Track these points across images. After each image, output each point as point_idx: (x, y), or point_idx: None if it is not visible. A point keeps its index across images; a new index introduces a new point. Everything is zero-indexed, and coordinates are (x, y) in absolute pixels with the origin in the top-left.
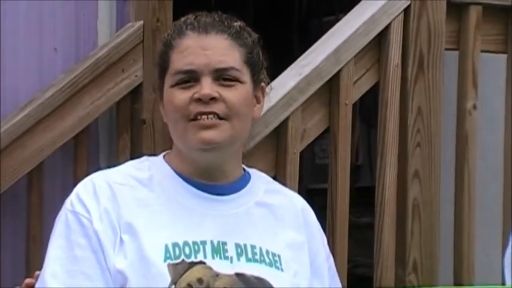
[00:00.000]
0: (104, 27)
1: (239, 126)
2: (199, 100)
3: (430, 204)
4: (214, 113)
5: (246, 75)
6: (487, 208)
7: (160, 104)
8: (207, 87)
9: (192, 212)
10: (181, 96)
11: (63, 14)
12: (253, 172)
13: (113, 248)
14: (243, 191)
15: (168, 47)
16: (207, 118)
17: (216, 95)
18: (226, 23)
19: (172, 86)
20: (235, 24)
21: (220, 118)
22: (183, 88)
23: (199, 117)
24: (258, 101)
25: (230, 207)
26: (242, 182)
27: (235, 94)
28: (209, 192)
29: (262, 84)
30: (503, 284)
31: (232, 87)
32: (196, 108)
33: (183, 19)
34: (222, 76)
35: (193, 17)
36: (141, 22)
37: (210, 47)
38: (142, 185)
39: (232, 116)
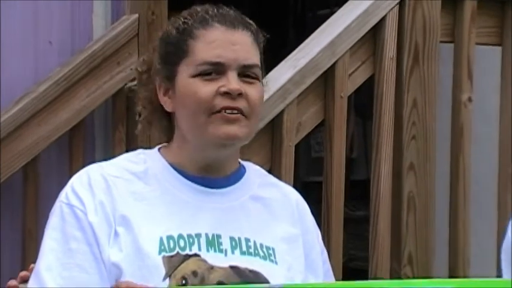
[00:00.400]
0: (98, 19)
1: (254, 124)
2: (226, 94)
3: (425, 197)
4: (239, 109)
5: (260, 75)
6: (482, 200)
7: (160, 92)
8: (235, 82)
9: (187, 205)
10: (206, 88)
11: (58, 7)
12: (248, 165)
13: (107, 241)
14: (237, 184)
15: (187, 35)
16: (232, 113)
17: (243, 90)
18: (246, 20)
19: (194, 76)
20: (251, 22)
21: (242, 114)
22: (207, 80)
23: (223, 111)
24: None
25: (225, 200)
26: (237, 175)
27: (256, 92)
28: (204, 186)
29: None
30: (499, 276)
31: (254, 84)
32: (221, 102)
33: (201, 9)
34: (246, 72)
35: (215, 9)
36: (136, 15)
37: (238, 42)
38: (137, 178)
39: (251, 114)
